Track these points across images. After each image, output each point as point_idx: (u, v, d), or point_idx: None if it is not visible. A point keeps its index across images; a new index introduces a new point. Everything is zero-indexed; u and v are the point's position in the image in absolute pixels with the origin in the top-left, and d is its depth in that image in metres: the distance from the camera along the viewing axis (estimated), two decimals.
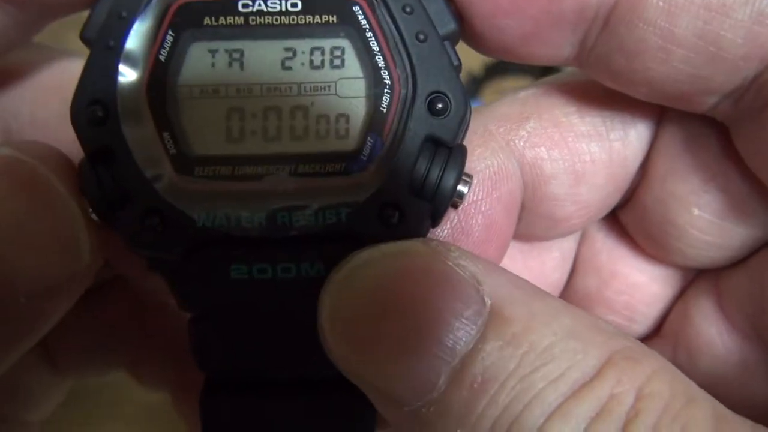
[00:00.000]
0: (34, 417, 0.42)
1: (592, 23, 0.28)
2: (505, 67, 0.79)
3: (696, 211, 0.32)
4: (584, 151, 0.32)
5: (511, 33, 0.28)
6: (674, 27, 0.27)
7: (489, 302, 0.24)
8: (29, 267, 0.26)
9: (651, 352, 0.24)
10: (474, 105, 0.29)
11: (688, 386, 0.23)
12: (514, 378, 0.23)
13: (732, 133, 0.30)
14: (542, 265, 0.37)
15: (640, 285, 0.36)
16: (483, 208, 0.31)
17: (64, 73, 0.34)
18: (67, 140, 0.28)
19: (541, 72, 0.71)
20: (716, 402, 0.23)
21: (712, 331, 0.33)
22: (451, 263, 0.25)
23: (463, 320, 0.24)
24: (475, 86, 0.79)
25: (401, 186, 0.28)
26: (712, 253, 0.33)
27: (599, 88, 0.31)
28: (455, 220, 0.31)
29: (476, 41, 0.29)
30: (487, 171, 0.31)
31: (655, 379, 0.23)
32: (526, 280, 0.26)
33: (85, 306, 0.37)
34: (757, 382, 0.32)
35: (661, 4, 0.26)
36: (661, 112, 0.32)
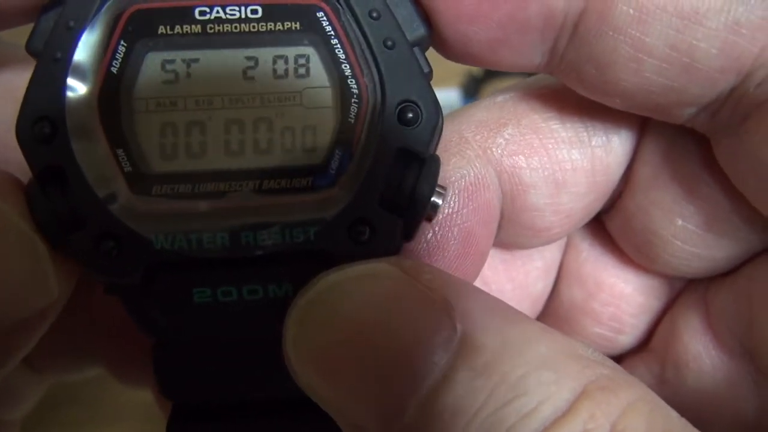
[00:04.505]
0: (12, 416, 0.41)
1: (560, 31, 0.26)
2: None
3: (679, 221, 0.30)
4: (565, 159, 0.31)
5: (477, 40, 0.27)
6: (645, 36, 0.25)
7: (461, 329, 0.23)
8: None
9: (629, 380, 0.23)
10: None
11: (666, 418, 0.22)
12: (484, 412, 0.22)
13: (712, 144, 0.29)
14: (525, 275, 0.35)
15: (625, 296, 0.35)
16: (459, 221, 0.30)
17: (17, 72, 0.32)
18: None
19: None
20: None
21: (699, 347, 0.32)
22: (421, 286, 0.24)
23: (433, 348, 0.23)
24: (475, 86, 0.77)
25: (372, 201, 0.26)
26: (697, 263, 0.31)
27: (582, 94, 0.30)
28: (430, 234, 0.29)
29: (444, 48, 0.28)
30: (463, 181, 0.30)
31: (631, 413, 0.21)
32: (502, 302, 0.25)
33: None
34: (743, 399, 0.31)
35: (631, 11, 0.25)
36: (644, 117, 0.31)
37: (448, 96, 0.76)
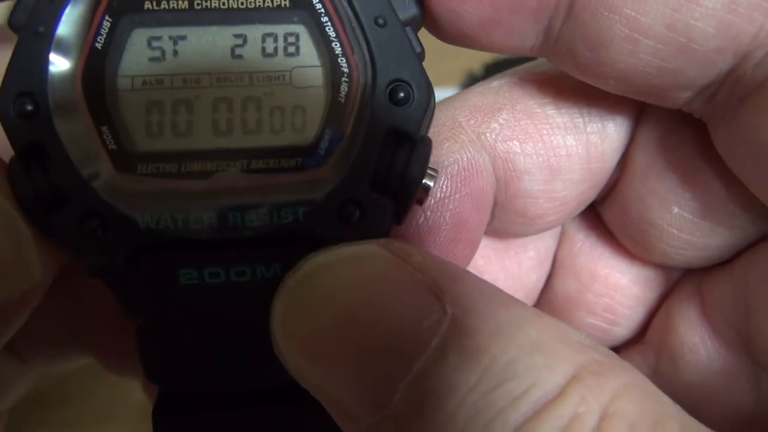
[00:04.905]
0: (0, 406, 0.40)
1: (555, 11, 0.26)
2: (504, 66, 0.76)
3: (675, 210, 0.30)
4: (560, 145, 0.30)
5: (469, 19, 0.26)
6: (641, 15, 0.25)
7: (451, 312, 0.22)
8: None
9: (621, 365, 0.22)
10: None
11: (659, 403, 0.22)
12: (474, 395, 0.21)
13: (709, 130, 0.28)
14: (519, 265, 0.35)
15: (620, 287, 0.34)
16: (451, 206, 0.29)
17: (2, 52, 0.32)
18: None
19: None
20: (688, 419, 0.22)
21: (695, 339, 0.32)
22: (411, 269, 0.23)
23: (422, 332, 0.22)
24: None
25: (362, 181, 0.26)
26: (692, 252, 0.31)
27: (577, 78, 0.29)
28: (422, 218, 0.29)
29: (436, 28, 0.27)
30: (456, 166, 0.29)
31: (623, 397, 0.21)
32: (494, 286, 0.24)
33: (47, 294, 0.36)
34: (739, 390, 0.31)
35: None
36: (641, 104, 0.30)
37: (448, 96, 0.76)
